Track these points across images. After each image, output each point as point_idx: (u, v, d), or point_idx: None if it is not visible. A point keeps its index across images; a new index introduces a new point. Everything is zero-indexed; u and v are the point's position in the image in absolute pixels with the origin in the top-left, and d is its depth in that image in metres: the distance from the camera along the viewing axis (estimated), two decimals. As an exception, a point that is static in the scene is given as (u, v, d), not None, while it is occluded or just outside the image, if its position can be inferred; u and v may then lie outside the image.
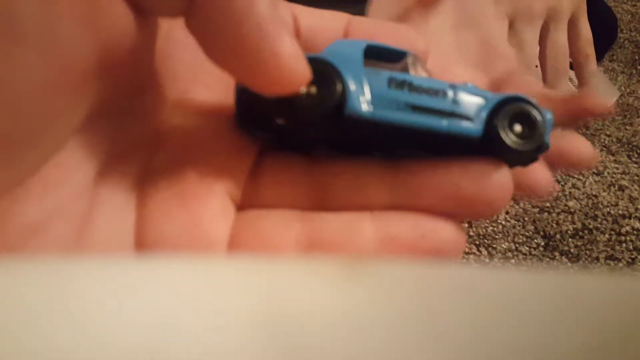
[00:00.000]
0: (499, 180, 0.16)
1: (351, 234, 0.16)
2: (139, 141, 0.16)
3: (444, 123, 0.17)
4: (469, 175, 0.16)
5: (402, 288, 0.10)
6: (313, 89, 0.16)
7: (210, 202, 0.16)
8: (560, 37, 0.47)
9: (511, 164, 0.18)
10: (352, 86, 0.16)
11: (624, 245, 0.52)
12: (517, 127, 0.17)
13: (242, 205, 0.17)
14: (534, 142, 0.17)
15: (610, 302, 0.10)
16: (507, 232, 0.52)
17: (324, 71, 0.16)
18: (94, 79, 0.13)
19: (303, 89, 0.16)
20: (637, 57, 0.83)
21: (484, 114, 0.17)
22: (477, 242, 0.52)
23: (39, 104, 0.12)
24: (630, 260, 0.49)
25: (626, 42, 0.87)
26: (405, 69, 0.18)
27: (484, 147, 0.17)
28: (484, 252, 0.52)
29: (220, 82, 0.17)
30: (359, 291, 0.10)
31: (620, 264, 0.47)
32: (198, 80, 0.17)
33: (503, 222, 0.54)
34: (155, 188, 0.16)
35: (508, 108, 0.17)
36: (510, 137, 0.17)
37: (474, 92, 0.17)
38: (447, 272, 0.11)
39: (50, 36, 0.12)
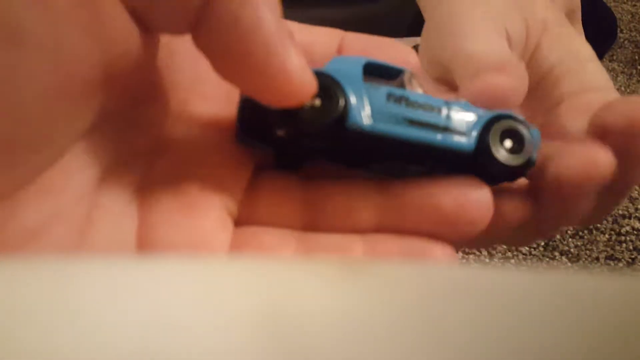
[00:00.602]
0: (479, 199, 0.16)
1: (343, 255, 0.16)
2: (140, 149, 0.16)
3: (438, 137, 0.17)
4: (451, 195, 0.16)
5: (402, 288, 0.10)
6: (316, 102, 0.16)
7: (210, 214, 0.16)
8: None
9: (500, 179, 0.19)
10: (353, 100, 0.17)
11: (623, 245, 0.52)
12: (508, 143, 0.18)
13: (238, 220, 0.17)
14: (522, 158, 0.18)
15: (610, 302, 0.10)
16: (507, 232, 0.53)
17: (326, 85, 0.16)
18: (97, 89, 0.13)
19: (307, 102, 0.16)
20: (637, 57, 0.83)
21: (476, 130, 0.18)
22: (477, 242, 0.52)
23: (41, 111, 0.12)
24: (630, 260, 0.49)
25: (626, 42, 0.87)
26: (402, 85, 0.18)
27: (476, 161, 0.18)
28: (484, 252, 0.52)
29: (219, 93, 0.18)
30: (358, 291, 0.10)
31: (620, 264, 0.47)
32: (197, 92, 0.17)
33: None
34: (157, 197, 0.16)
35: (499, 125, 0.18)
36: (500, 152, 0.18)
37: (467, 108, 0.18)
38: (447, 272, 0.11)
39: (54, 44, 0.12)
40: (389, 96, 0.18)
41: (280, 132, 0.17)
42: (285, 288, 0.10)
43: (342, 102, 0.17)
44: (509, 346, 0.09)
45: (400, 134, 0.17)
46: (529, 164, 0.18)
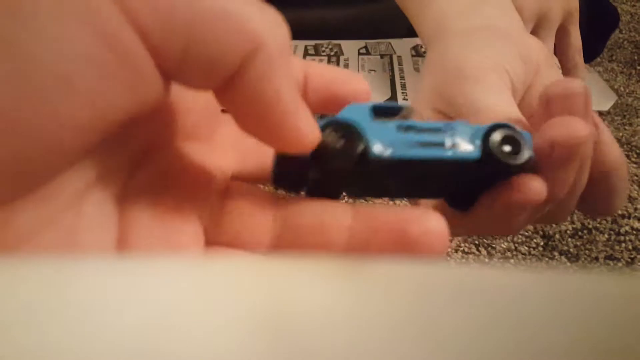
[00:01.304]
0: (436, 226, 0.18)
1: None
2: (123, 160, 0.18)
3: (448, 152, 0.21)
4: (416, 223, 0.18)
5: (402, 288, 0.10)
6: (339, 144, 0.20)
7: (186, 228, 0.18)
8: (548, 43, 0.47)
9: (502, 179, 0.23)
10: (370, 137, 0.20)
11: (623, 245, 0.52)
12: (506, 148, 0.22)
13: (208, 233, 0.18)
14: (522, 157, 0.22)
15: (610, 302, 0.10)
16: (507, 232, 0.53)
17: (346, 129, 0.20)
18: (117, 127, 0.15)
19: (333, 145, 0.20)
20: (636, 57, 0.83)
21: (478, 141, 0.21)
22: (477, 242, 0.52)
23: (63, 142, 0.14)
24: (629, 260, 0.49)
25: (625, 42, 0.87)
26: (405, 119, 0.22)
27: (483, 167, 0.22)
28: (484, 252, 0.52)
29: (198, 105, 0.19)
30: (358, 291, 0.10)
31: (620, 264, 0.47)
32: (179, 105, 0.19)
33: (502, 222, 0.54)
34: (137, 208, 0.17)
35: (496, 133, 0.22)
36: (504, 155, 0.22)
37: (464, 125, 0.22)
38: (447, 272, 0.11)
39: (96, 95, 0.14)
40: (399, 127, 0.21)
41: (313, 175, 0.20)
42: (285, 288, 0.10)
43: (362, 140, 0.20)
44: (508, 346, 0.09)
45: (415, 155, 0.20)
46: (529, 161, 0.22)
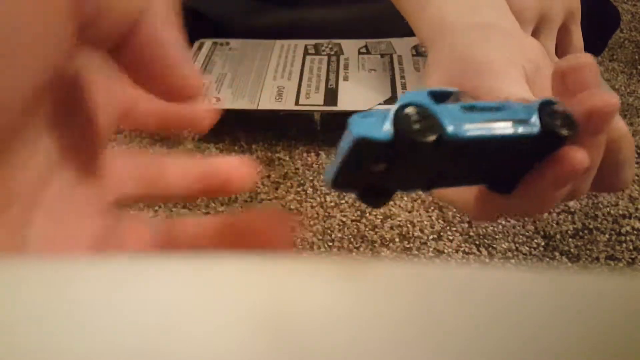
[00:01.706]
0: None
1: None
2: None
3: (517, 128, 0.22)
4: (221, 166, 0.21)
5: (402, 288, 0.10)
6: (417, 126, 0.20)
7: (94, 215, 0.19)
8: (550, 43, 0.47)
9: (553, 150, 0.24)
10: (444, 119, 0.21)
11: (624, 245, 0.52)
12: (558, 121, 0.23)
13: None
14: (573, 128, 0.23)
15: (611, 302, 0.10)
16: (507, 232, 0.52)
17: (420, 112, 0.21)
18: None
19: (412, 127, 0.20)
20: (637, 57, 0.83)
21: (534, 117, 0.22)
22: (477, 242, 0.52)
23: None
24: (630, 260, 0.49)
25: (626, 42, 0.87)
26: (457, 101, 0.23)
27: (541, 141, 0.23)
28: (484, 252, 0.51)
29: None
30: (358, 291, 0.10)
31: (620, 264, 0.47)
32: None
33: (503, 222, 0.54)
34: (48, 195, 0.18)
35: (548, 108, 0.23)
36: (559, 129, 0.23)
37: (514, 104, 0.23)
38: (447, 272, 0.11)
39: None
40: (463, 109, 0.22)
41: (380, 167, 0.21)
42: (285, 288, 0.10)
43: (436, 121, 0.21)
44: (509, 346, 0.09)
45: (486, 134, 0.21)
46: (577, 130, 0.24)
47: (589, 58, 0.26)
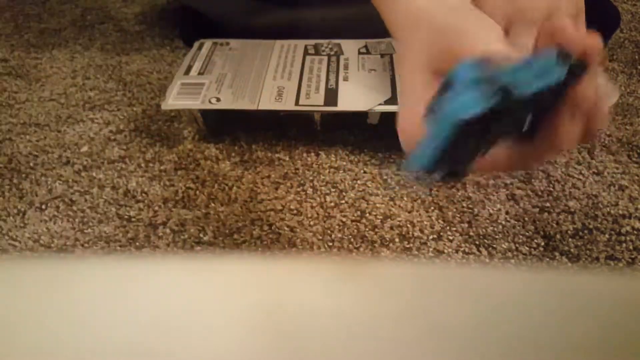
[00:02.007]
0: None
1: None
2: None
3: (555, 77, 0.25)
4: None
5: (402, 288, 0.10)
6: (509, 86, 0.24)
7: None
8: None
9: (565, 91, 0.26)
10: (505, 81, 0.24)
11: (624, 245, 0.52)
12: (575, 63, 0.26)
13: None
14: (584, 66, 0.26)
15: (610, 302, 0.10)
16: (507, 232, 0.52)
17: (486, 80, 0.24)
18: None
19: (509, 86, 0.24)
20: (637, 57, 0.83)
21: (554, 64, 0.25)
22: (477, 242, 0.52)
23: None
24: (630, 260, 0.49)
25: (626, 42, 0.87)
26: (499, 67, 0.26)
27: (565, 84, 0.26)
28: (484, 252, 0.51)
29: None
30: (358, 291, 0.10)
31: (620, 264, 0.47)
32: None
33: (503, 222, 0.54)
34: None
35: (561, 54, 0.26)
36: (576, 69, 0.26)
37: (534, 57, 0.26)
38: (447, 272, 0.11)
39: None
40: (512, 71, 0.25)
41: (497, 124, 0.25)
42: (285, 288, 0.10)
43: (503, 84, 0.24)
44: (509, 345, 0.09)
45: (541, 87, 0.24)
46: (588, 68, 0.27)
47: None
